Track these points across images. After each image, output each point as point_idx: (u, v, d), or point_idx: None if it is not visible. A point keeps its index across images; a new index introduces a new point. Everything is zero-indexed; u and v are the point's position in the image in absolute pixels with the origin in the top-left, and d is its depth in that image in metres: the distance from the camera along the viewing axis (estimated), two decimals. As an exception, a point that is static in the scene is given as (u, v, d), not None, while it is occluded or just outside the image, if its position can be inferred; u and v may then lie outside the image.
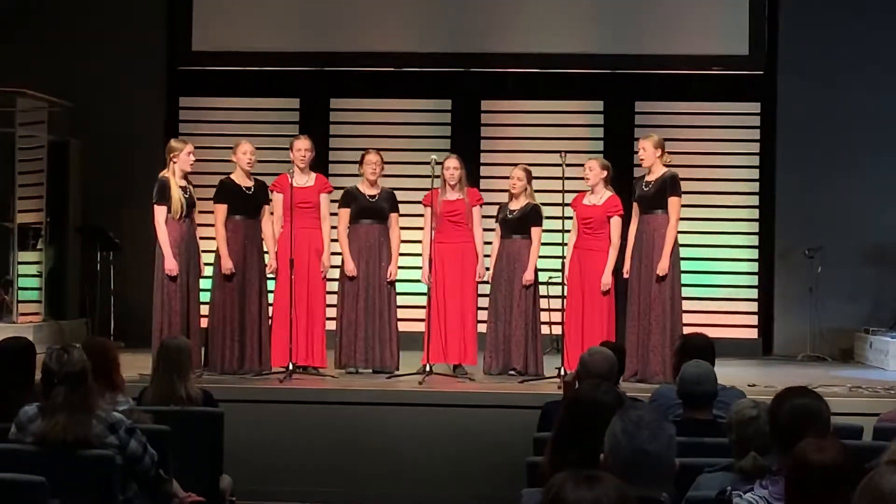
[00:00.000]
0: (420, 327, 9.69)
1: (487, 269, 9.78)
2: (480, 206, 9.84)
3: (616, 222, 9.54)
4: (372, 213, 9.73)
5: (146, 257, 9.60)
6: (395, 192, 9.92)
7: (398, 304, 9.80)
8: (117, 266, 11.95)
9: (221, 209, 9.38)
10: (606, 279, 9.48)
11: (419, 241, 9.92)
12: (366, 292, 9.63)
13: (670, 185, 9.37)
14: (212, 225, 9.44)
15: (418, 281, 9.87)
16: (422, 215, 9.86)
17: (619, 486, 2.73)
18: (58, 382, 4.96)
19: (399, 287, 9.88)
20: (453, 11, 12.62)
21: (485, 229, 9.85)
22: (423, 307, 9.70)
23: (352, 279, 9.64)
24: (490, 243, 9.86)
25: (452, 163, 9.74)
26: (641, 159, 9.56)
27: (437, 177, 9.69)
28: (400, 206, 9.86)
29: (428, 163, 9.68)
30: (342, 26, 12.63)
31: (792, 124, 12.26)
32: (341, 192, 9.88)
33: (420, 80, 12.72)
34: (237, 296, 9.33)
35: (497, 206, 9.93)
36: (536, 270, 9.65)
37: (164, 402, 6.31)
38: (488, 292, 9.82)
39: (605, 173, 9.61)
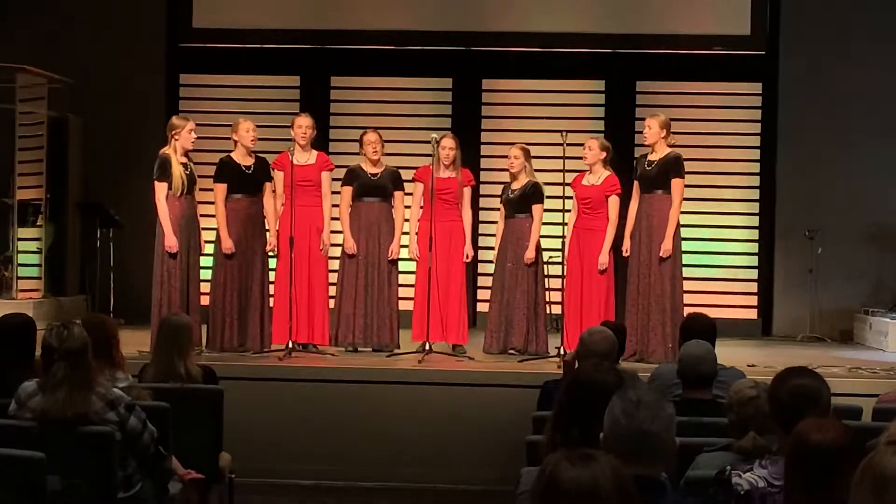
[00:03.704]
0: (411, 305, 9.70)
1: (491, 248, 9.76)
2: (472, 187, 9.82)
3: (614, 201, 9.53)
4: (374, 190, 9.70)
5: (146, 234, 9.59)
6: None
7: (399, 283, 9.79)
8: (117, 243, 11.94)
9: (221, 188, 9.37)
10: (604, 258, 9.48)
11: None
12: (365, 270, 9.62)
13: (674, 167, 9.34)
14: (213, 203, 9.43)
15: (412, 259, 9.85)
16: (422, 194, 9.86)
17: (615, 465, 2.72)
18: (58, 359, 4.96)
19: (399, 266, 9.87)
20: (455, -11, 12.59)
21: (484, 209, 9.82)
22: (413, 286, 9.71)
23: (351, 257, 9.64)
24: (490, 222, 9.83)
25: (448, 143, 9.69)
26: (645, 137, 9.52)
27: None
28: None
29: (428, 141, 9.66)
30: (343, 4, 12.59)
31: (793, 105, 12.23)
32: (342, 169, 9.86)
33: (421, 58, 12.68)
34: (238, 275, 9.33)
35: (501, 186, 9.92)
36: (540, 249, 9.65)
37: (164, 380, 6.31)
38: (491, 272, 9.81)
39: (605, 154, 9.59)
